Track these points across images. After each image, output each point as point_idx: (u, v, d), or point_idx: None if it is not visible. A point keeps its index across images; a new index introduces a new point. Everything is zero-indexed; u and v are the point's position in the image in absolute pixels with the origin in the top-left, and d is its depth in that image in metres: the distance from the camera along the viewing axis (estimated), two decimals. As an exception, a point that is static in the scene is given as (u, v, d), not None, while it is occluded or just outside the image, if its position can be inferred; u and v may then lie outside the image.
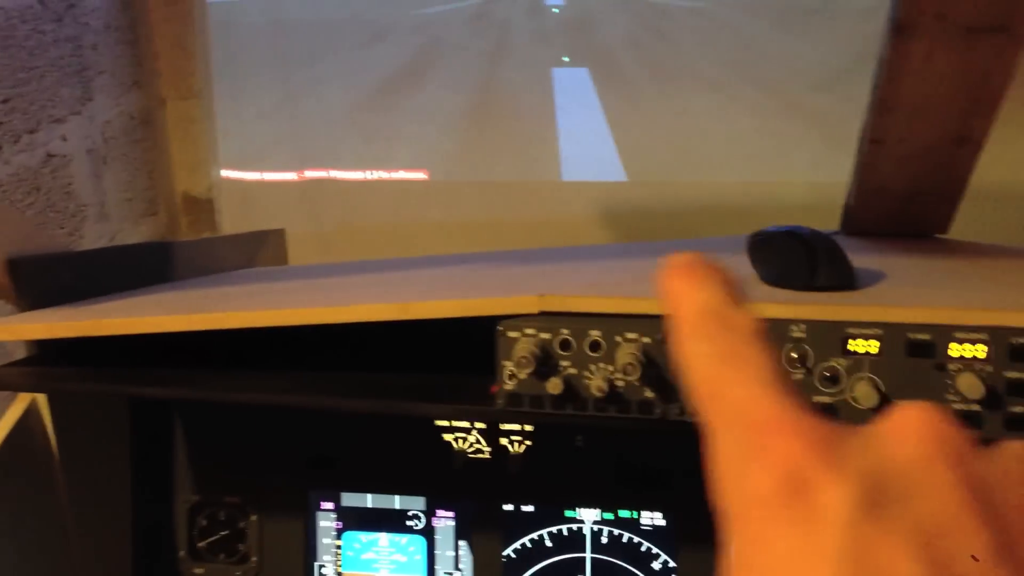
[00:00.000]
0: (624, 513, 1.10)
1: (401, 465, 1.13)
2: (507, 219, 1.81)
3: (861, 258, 1.03)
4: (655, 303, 0.82)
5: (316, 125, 1.86)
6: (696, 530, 1.08)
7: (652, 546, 1.10)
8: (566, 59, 1.82)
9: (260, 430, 1.15)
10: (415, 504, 1.14)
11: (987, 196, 1.58)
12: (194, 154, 1.77)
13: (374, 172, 1.84)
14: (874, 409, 0.79)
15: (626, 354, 0.81)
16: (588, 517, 1.11)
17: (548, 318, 0.83)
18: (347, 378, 0.93)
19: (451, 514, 1.14)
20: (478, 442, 1.11)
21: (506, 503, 1.12)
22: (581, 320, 0.83)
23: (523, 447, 1.10)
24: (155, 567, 1.17)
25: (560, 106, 1.81)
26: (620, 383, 0.83)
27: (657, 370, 0.82)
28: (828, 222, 1.30)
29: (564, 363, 0.83)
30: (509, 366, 0.84)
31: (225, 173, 1.84)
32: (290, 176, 1.88)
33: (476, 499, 1.13)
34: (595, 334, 0.83)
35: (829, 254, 0.88)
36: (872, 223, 1.25)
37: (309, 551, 1.16)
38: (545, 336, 0.84)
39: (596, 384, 0.82)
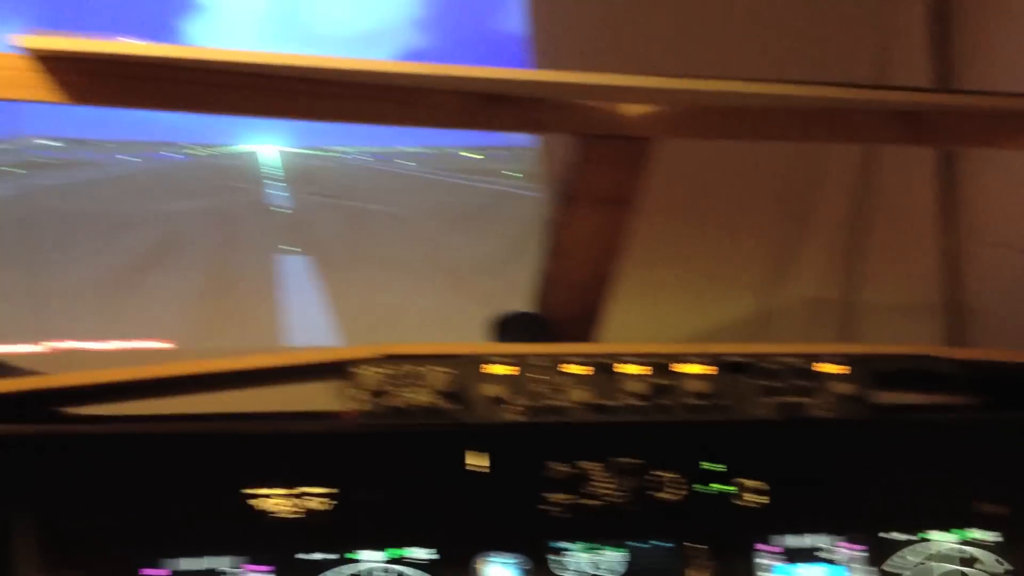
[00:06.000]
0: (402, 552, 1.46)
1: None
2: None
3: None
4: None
5: (62, 302, 2.09)
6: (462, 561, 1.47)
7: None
8: (288, 247, 2.26)
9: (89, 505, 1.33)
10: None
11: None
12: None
13: (120, 344, 2.09)
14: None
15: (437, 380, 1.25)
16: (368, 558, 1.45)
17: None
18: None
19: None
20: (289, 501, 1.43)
21: (299, 553, 1.42)
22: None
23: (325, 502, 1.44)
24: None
25: (288, 285, 2.23)
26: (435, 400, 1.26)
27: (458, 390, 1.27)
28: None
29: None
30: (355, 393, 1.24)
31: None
32: (34, 348, 2.06)
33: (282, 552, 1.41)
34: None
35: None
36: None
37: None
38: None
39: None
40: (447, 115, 1.38)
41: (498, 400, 1.29)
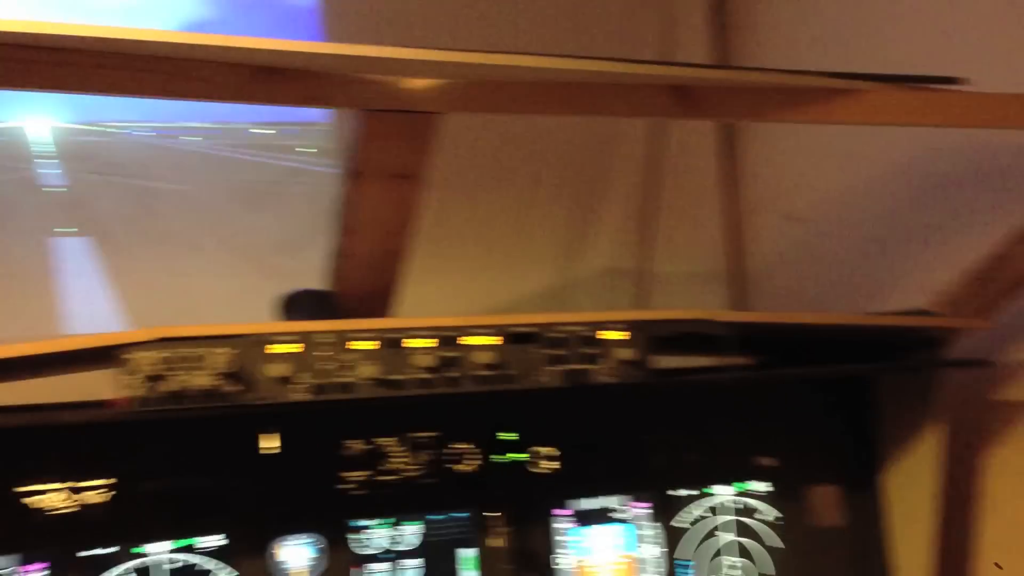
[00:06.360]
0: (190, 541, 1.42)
1: None
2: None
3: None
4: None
5: None
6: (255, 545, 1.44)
7: (216, 564, 1.42)
8: (68, 229, 2.12)
9: None
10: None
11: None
12: None
13: None
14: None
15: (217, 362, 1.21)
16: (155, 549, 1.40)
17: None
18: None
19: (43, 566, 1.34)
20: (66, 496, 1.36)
21: (80, 550, 1.36)
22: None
23: (105, 495, 1.38)
24: None
25: (66, 269, 2.10)
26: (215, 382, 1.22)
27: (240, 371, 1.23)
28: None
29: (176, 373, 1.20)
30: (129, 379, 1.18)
31: None
32: None
33: (60, 550, 1.35)
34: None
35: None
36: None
37: None
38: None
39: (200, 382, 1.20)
40: (220, 88, 1.32)
41: (284, 379, 1.26)
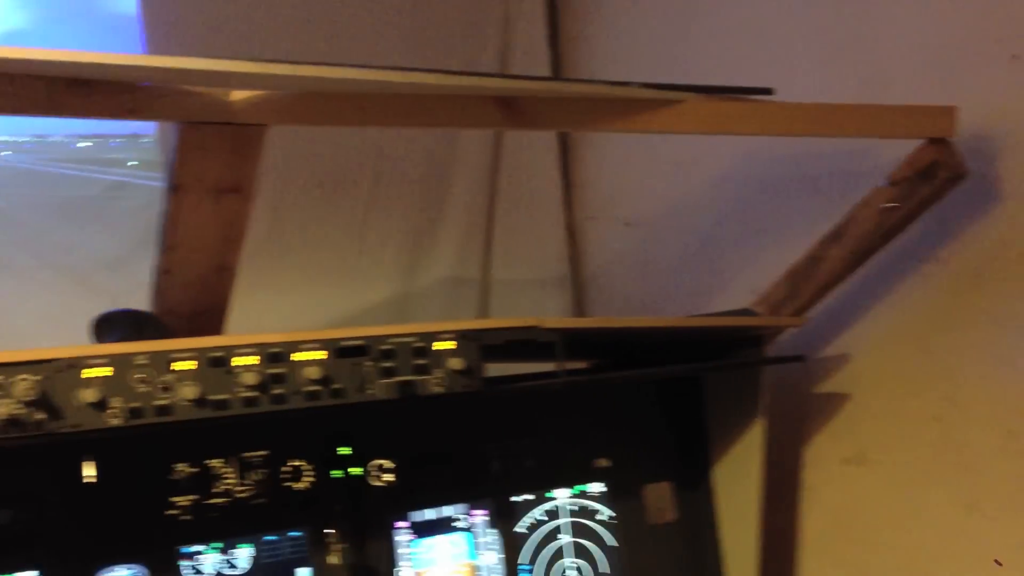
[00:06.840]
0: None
1: None
2: None
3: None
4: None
5: None
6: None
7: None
8: None
9: None
10: None
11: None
12: None
13: None
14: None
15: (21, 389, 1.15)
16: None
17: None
18: None
19: None
20: None
21: None
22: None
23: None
24: None
25: None
26: (20, 411, 1.15)
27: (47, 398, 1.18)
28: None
29: (-27, 402, 1.13)
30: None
31: None
32: None
33: None
34: (-2, 378, 1.15)
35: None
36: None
37: None
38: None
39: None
40: (27, 102, 1.26)
41: (97, 405, 1.20)
